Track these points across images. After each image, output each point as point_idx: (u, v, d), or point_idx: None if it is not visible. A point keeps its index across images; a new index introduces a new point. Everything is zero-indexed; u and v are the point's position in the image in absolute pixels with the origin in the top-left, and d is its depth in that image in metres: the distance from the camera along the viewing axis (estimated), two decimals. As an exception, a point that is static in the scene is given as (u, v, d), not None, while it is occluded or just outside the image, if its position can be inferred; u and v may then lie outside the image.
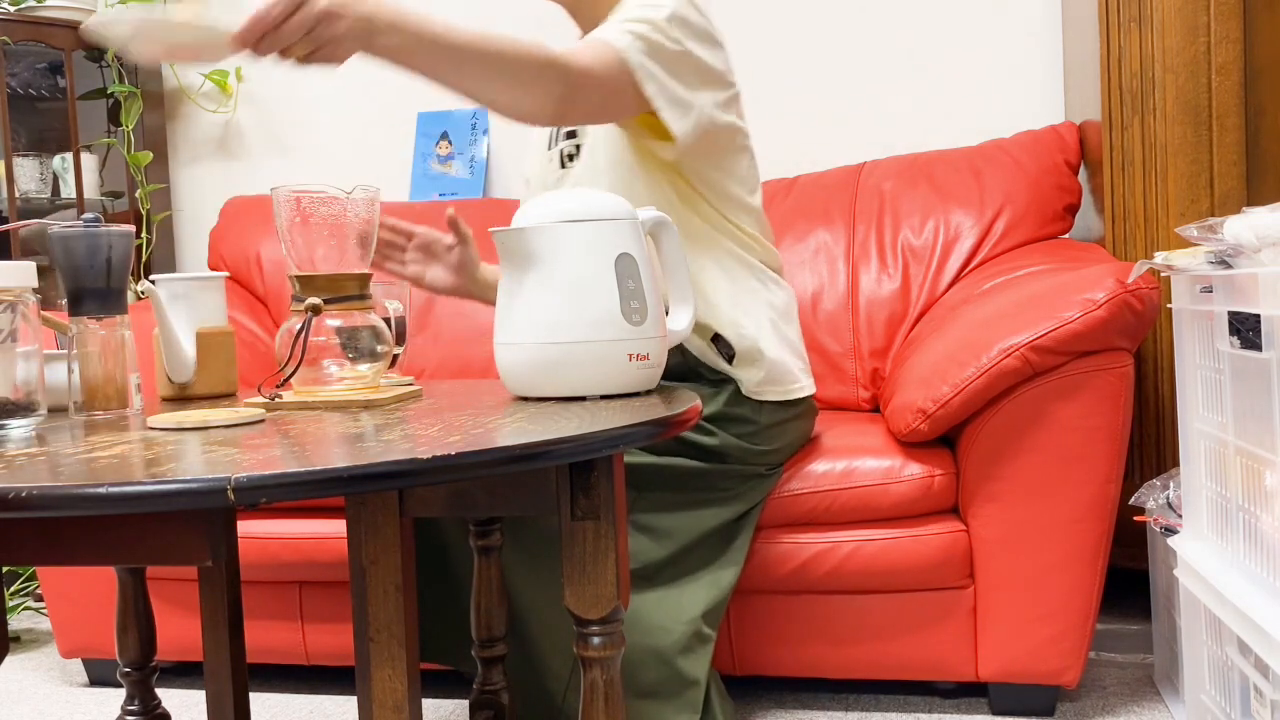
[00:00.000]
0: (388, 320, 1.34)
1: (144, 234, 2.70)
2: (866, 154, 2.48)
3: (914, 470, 1.60)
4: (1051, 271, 1.78)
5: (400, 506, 0.96)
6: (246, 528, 1.80)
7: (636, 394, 1.14)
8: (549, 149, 1.65)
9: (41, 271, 2.50)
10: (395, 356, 1.39)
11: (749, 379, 1.52)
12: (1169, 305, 1.70)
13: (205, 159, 2.89)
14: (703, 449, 1.49)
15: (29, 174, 2.64)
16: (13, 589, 2.46)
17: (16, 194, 2.59)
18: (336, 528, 1.77)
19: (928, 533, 1.60)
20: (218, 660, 1.33)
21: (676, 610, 1.44)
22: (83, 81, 2.68)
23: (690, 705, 1.40)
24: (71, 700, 1.91)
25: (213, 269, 2.53)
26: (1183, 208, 1.83)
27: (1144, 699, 1.70)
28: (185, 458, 0.80)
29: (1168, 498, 1.58)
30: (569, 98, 1.30)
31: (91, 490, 0.70)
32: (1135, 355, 1.85)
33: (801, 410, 1.61)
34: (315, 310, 1.12)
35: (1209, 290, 1.31)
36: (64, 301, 1.14)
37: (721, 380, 1.52)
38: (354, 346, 1.14)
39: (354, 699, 1.87)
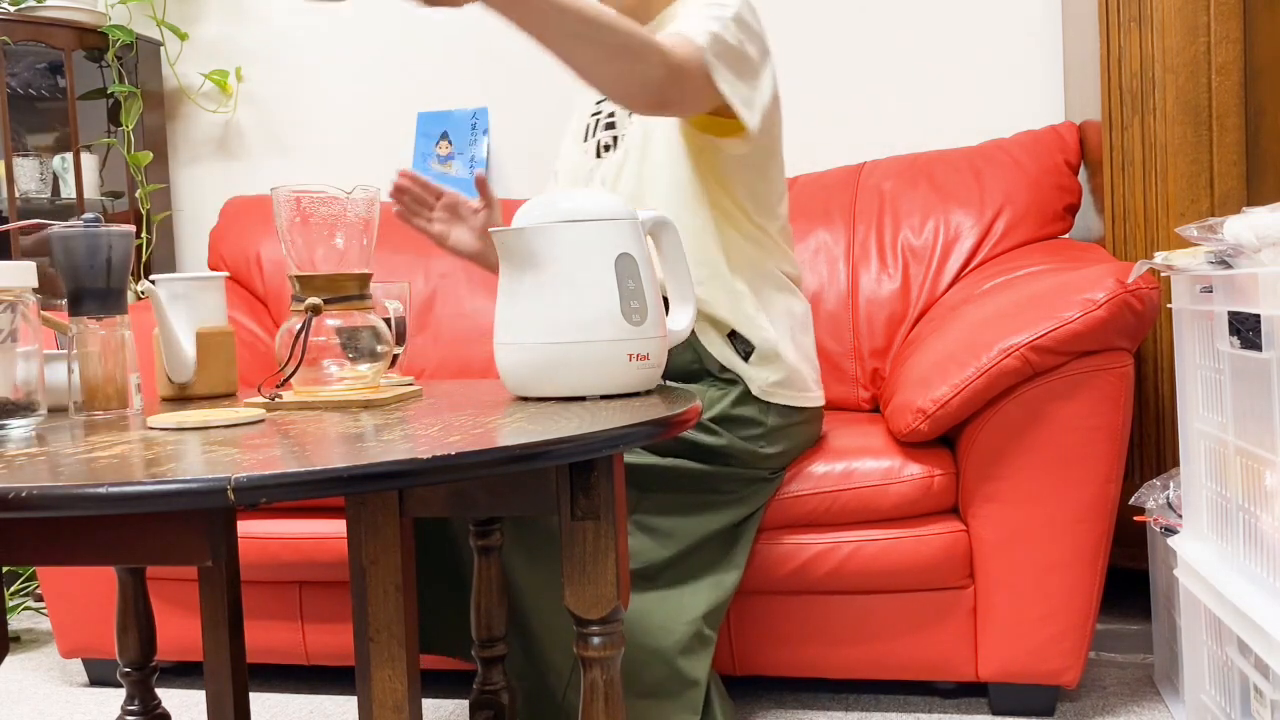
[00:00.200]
0: (388, 320, 1.34)
1: (144, 234, 2.70)
2: (866, 154, 2.48)
3: (914, 470, 1.60)
4: (1051, 271, 1.78)
5: (400, 506, 0.96)
6: (246, 528, 1.80)
7: (636, 394, 1.14)
8: (584, 141, 1.67)
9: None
10: (395, 356, 1.39)
11: (762, 379, 1.52)
12: (1169, 305, 1.70)
13: (205, 159, 2.89)
14: (708, 450, 1.49)
15: (29, 174, 2.64)
16: (13, 589, 2.46)
17: (16, 194, 2.59)
18: (336, 528, 1.77)
19: (928, 533, 1.60)
20: (218, 660, 1.33)
21: (678, 611, 1.44)
22: (83, 81, 2.68)
23: (690, 706, 1.40)
24: (71, 700, 1.91)
25: (213, 269, 2.53)
26: (1183, 208, 1.83)
27: (1144, 699, 1.70)
28: (185, 458, 0.80)
29: (1168, 498, 1.58)
30: (667, 84, 1.33)
31: (91, 490, 0.70)
32: (1135, 355, 1.85)
33: (808, 416, 1.61)
34: (315, 310, 1.12)
35: (1209, 290, 1.31)
36: (64, 301, 1.14)
37: (729, 380, 1.53)
38: (354, 346, 1.14)
39: (354, 699, 1.87)
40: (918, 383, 1.63)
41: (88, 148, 2.70)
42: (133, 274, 2.59)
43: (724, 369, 1.53)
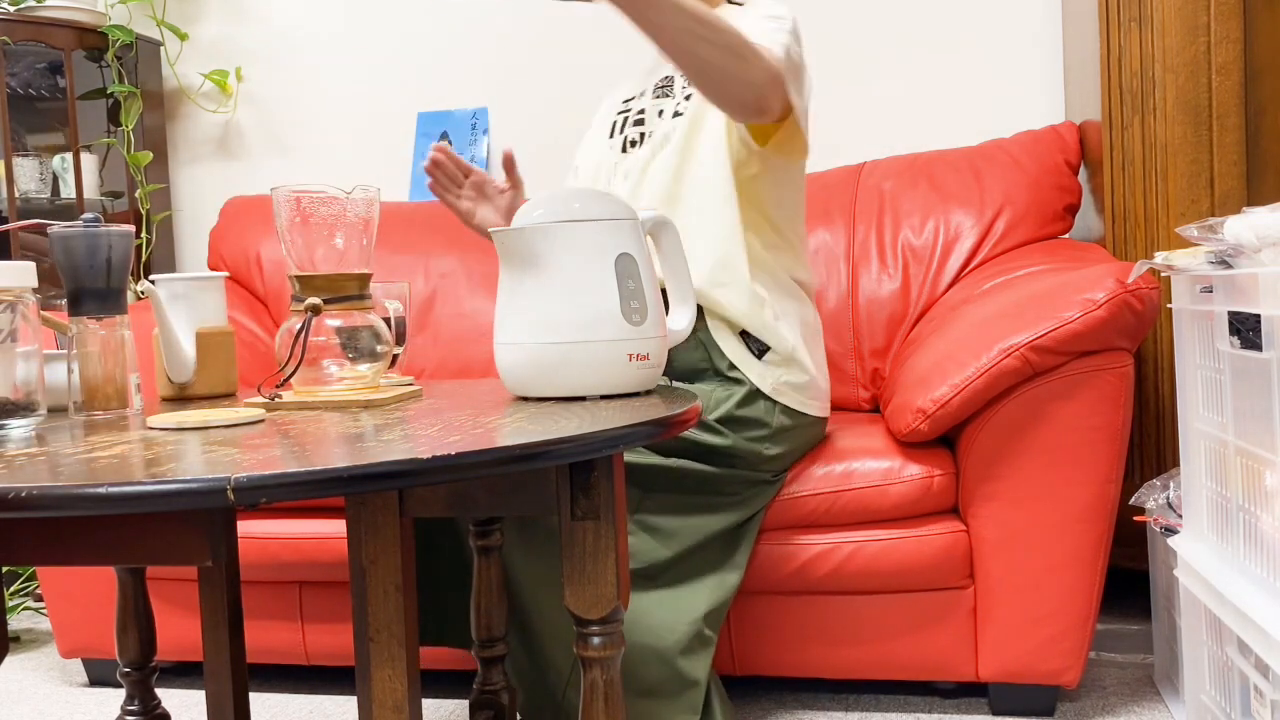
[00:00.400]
0: (388, 320, 1.34)
1: (144, 234, 2.70)
2: (866, 154, 2.48)
3: (914, 471, 1.60)
4: (1051, 271, 1.78)
5: (400, 506, 0.96)
6: (246, 528, 1.80)
7: (636, 394, 1.14)
8: (610, 137, 1.70)
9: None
10: (395, 356, 1.39)
11: (774, 377, 1.53)
12: (1169, 305, 1.70)
13: (205, 159, 2.89)
14: (711, 450, 1.49)
15: (29, 174, 2.64)
16: (13, 589, 2.46)
17: (16, 194, 2.59)
18: (336, 528, 1.77)
19: (928, 533, 1.60)
20: (218, 660, 1.33)
21: (679, 611, 1.44)
22: (83, 81, 2.68)
23: (690, 706, 1.40)
24: (71, 700, 1.91)
25: (213, 269, 2.53)
26: (1183, 208, 1.83)
27: (1144, 699, 1.70)
28: (185, 458, 0.80)
29: (1168, 498, 1.58)
30: (767, 89, 1.39)
31: (91, 490, 0.70)
32: (1135, 355, 1.85)
33: (812, 422, 1.62)
34: (315, 310, 1.12)
35: (1209, 290, 1.31)
36: (64, 301, 1.14)
37: (736, 380, 1.53)
38: (354, 346, 1.14)
39: (354, 699, 1.87)
40: (918, 383, 1.63)
41: (88, 148, 2.70)
42: (133, 274, 2.59)
43: (733, 367, 1.53)
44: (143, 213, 2.70)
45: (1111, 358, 1.52)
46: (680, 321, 1.26)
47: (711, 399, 1.51)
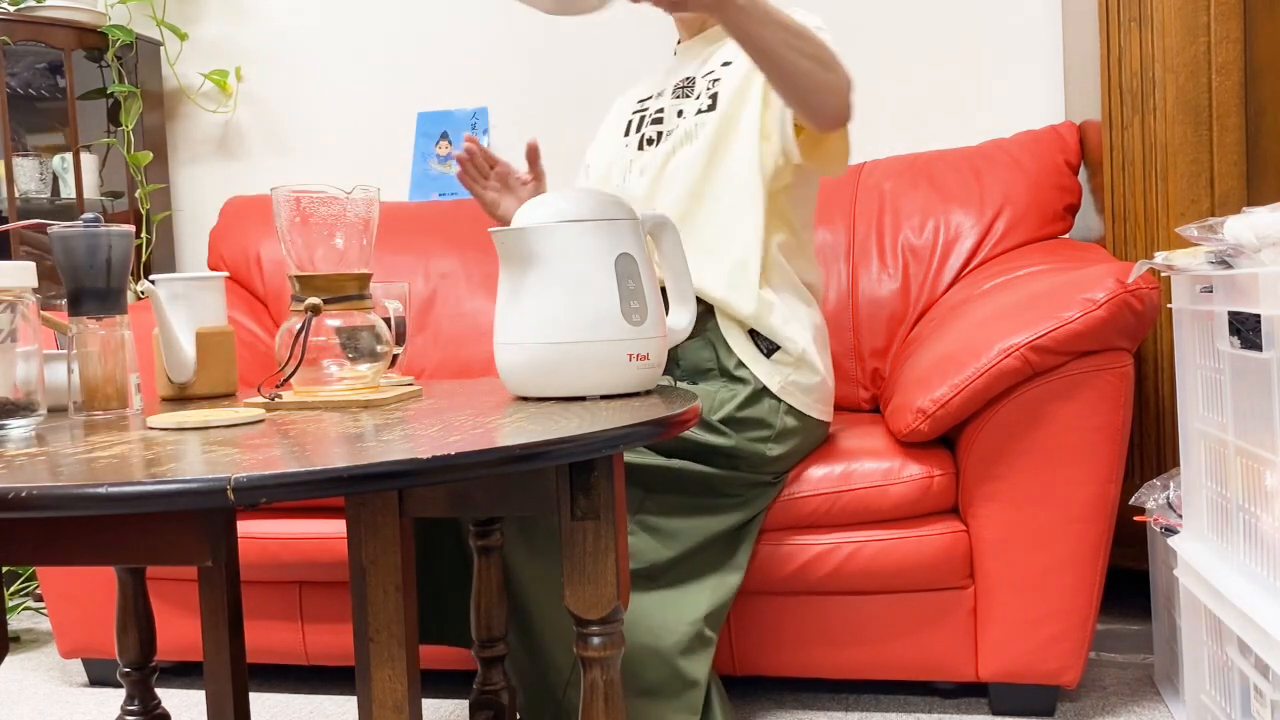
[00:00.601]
0: (387, 320, 1.34)
1: (144, 234, 2.70)
2: (866, 154, 2.48)
3: (913, 471, 1.60)
4: (1051, 271, 1.78)
5: (400, 506, 0.96)
6: (246, 528, 1.80)
7: (636, 394, 1.14)
8: (625, 135, 1.72)
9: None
10: (395, 356, 1.39)
11: (781, 376, 1.54)
12: (1169, 305, 1.70)
13: (205, 159, 2.89)
14: (713, 451, 1.49)
15: (29, 174, 2.64)
16: (13, 589, 2.46)
17: (16, 194, 2.59)
18: (336, 528, 1.77)
19: (928, 533, 1.60)
20: (218, 660, 1.33)
21: (679, 611, 1.44)
22: (83, 81, 2.68)
23: (690, 706, 1.40)
24: (71, 700, 1.91)
25: (213, 269, 2.53)
26: (1183, 208, 1.83)
27: (1144, 699, 1.70)
28: (185, 458, 0.80)
29: (1168, 498, 1.58)
30: (849, 98, 1.44)
31: (91, 490, 0.70)
32: (1135, 355, 1.85)
33: (815, 425, 1.62)
34: (315, 310, 1.12)
35: (1209, 290, 1.31)
36: (64, 301, 1.14)
37: (741, 380, 1.54)
38: (354, 346, 1.14)
39: (354, 699, 1.87)
40: (918, 383, 1.63)
41: (87, 148, 2.70)
42: (133, 274, 2.59)
43: (740, 365, 1.54)
44: (143, 213, 2.70)
45: (1111, 358, 1.52)
46: (680, 321, 1.26)
47: (716, 399, 1.51)
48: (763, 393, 1.54)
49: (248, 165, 2.86)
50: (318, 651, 1.84)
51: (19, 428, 1.02)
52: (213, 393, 1.31)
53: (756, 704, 1.75)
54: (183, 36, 2.81)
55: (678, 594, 1.46)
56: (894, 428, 1.66)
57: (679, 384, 1.55)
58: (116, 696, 1.93)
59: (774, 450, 1.55)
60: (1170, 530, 1.51)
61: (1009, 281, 1.84)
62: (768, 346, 1.55)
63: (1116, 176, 1.92)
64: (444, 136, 2.69)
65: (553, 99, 2.66)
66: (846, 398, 2.13)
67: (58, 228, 1.11)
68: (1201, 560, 1.35)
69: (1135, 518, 1.65)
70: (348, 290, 1.15)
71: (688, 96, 1.66)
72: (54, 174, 2.68)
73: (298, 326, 1.12)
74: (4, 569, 2.31)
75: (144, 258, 2.69)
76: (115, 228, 1.13)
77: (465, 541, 1.49)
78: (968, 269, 2.10)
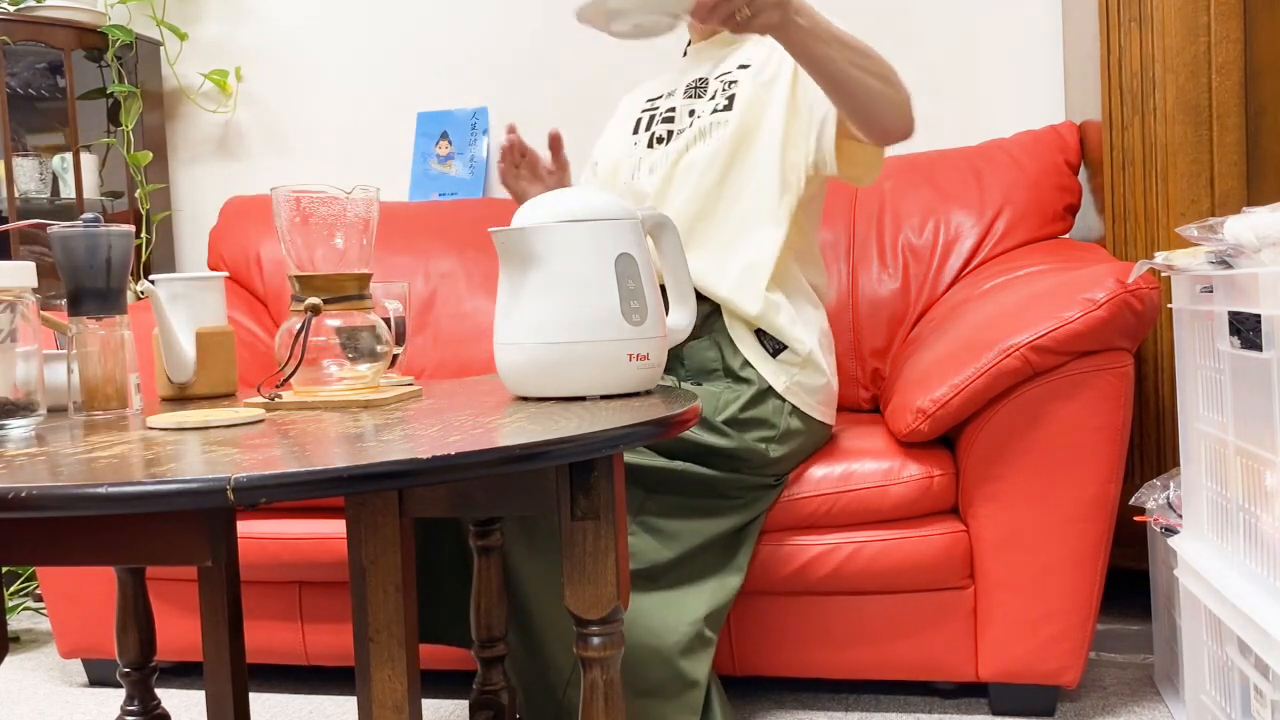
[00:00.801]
0: (387, 320, 1.34)
1: (144, 234, 2.70)
2: (866, 154, 2.48)
3: (913, 471, 1.60)
4: (1051, 271, 1.78)
5: (400, 506, 0.96)
6: (246, 528, 1.80)
7: (636, 394, 1.14)
8: (634, 133, 1.73)
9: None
10: (395, 356, 1.39)
11: (787, 376, 1.55)
12: (1169, 305, 1.70)
13: (205, 159, 2.89)
14: (715, 452, 1.49)
15: (29, 174, 2.64)
16: (13, 589, 2.46)
17: (16, 194, 2.59)
18: (336, 528, 1.77)
19: (928, 533, 1.60)
20: (218, 660, 1.33)
21: (680, 612, 1.44)
22: (82, 81, 2.68)
23: (690, 707, 1.40)
24: (71, 700, 1.91)
25: (213, 269, 2.53)
26: (1183, 208, 1.83)
27: (1144, 699, 1.70)
28: (185, 458, 0.80)
29: (1168, 498, 1.58)
30: (912, 112, 1.47)
31: (91, 490, 0.70)
32: (1135, 355, 1.85)
33: (818, 425, 1.63)
34: (315, 310, 1.12)
35: (1209, 290, 1.31)
36: (64, 301, 1.14)
37: (746, 380, 1.54)
38: (354, 346, 1.14)
39: (354, 699, 1.87)
40: (918, 383, 1.63)
41: (87, 148, 2.70)
42: (133, 274, 2.59)
43: (746, 365, 1.54)
44: (143, 213, 2.70)
45: (1111, 358, 1.52)
46: (680, 321, 1.26)
47: (720, 400, 1.51)
48: (767, 393, 1.55)
49: (248, 165, 2.86)
50: (318, 651, 1.84)
51: (19, 428, 1.02)
52: (213, 393, 1.31)
53: (756, 704, 1.75)
54: (183, 36, 2.81)
55: (678, 594, 1.46)
56: (894, 428, 1.66)
57: (683, 384, 1.55)
58: (116, 696, 1.93)
59: (776, 451, 1.55)
60: (1170, 530, 1.51)
61: (1009, 281, 1.84)
62: (774, 346, 1.56)
63: (1116, 176, 1.92)
64: (444, 136, 2.69)
65: (553, 99, 2.66)
66: (846, 398, 2.13)
67: (58, 228, 1.11)
68: (1201, 560, 1.35)
69: (1135, 518, 1.65)
70: (348, 290, 1.15)
71: (700, 97, 1.66)
72: (54, 174, 2.68)
73: (298, 326, 1.12)
74: (4, 569, 2.31)
75: (144, 258, 2.69)
76: (115, 228, 1.12)
77: (465, 540, 1.49)
78: (968, 269, 2.10)
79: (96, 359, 1.12)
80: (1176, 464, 1.83)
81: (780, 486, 1.61)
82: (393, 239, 2.44)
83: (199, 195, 2.90)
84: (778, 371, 1.55)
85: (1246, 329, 1.18)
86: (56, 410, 1.22)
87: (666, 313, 1.25)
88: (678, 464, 1.47)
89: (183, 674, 2.04)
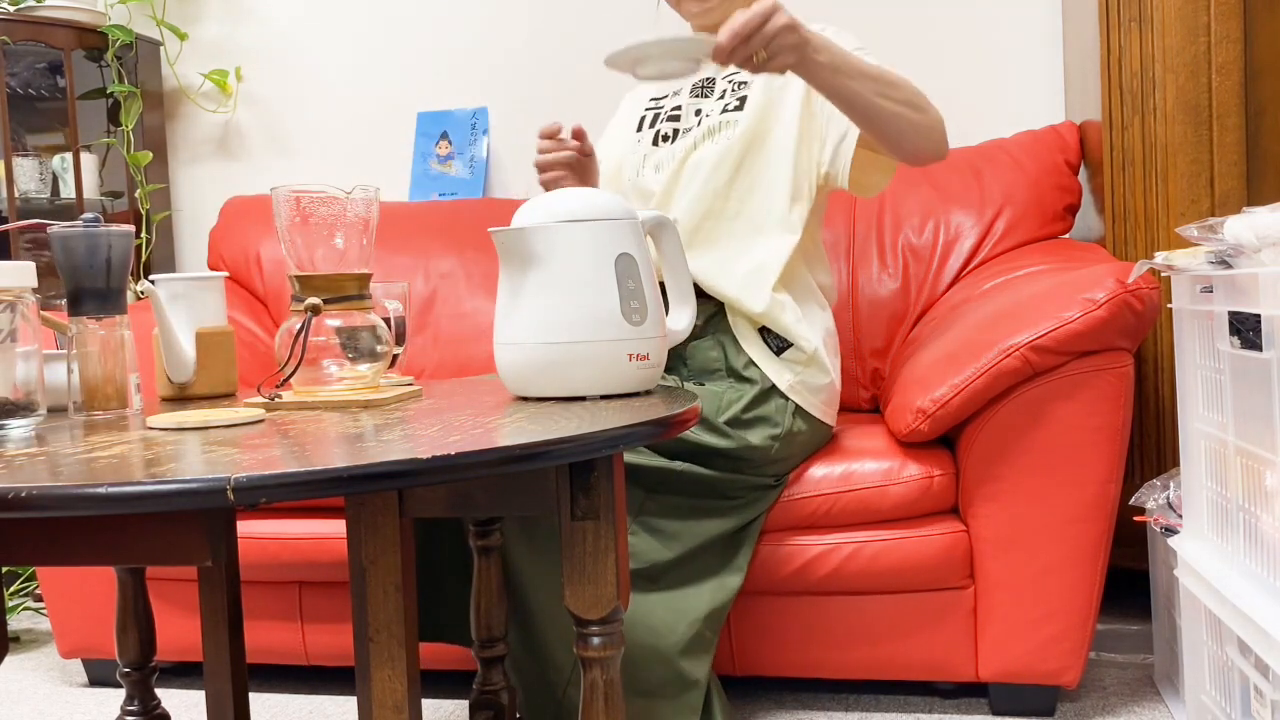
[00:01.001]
0: (387, 320, 1.34)
1: (144, 234, 2.70)
2: (866, 154, 2.48)
3: (913, 471, 1.60)
4: (1051, 271, 1.78)
5: (400, 506, 0.96)
6: (246, 528, 1.80)
7: (636, 394, 1.14)
8: (638, 130, 1.73)
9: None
10: (395, 356, 1.39)
11: (791, 374, 1.55)
12: (1169, 305, 1.70)
13: (205, 159, 2.89)
14: (717, 453, 1.49)
15: (29, 174, 2.64)
16: (13, 589, 2.46)
17: (16, 194, 2.59)
18: (336, 528, 1.77)
19: (928, 533, 1.60)
20: (218, 660, 1.33)
21: (679, 612, 1.44)
22: (82, 81, 2.68)
23: (690, 707, 1.40)
24: (71, 700, 1.91)
25: (213, 269, 2.53)
26: (1183, 208, 1.83)
27: (1144, 699, 1.70)
28: (185, 458, 0.80)
29: (1168, 498, 1.58)
30: (944, 134, 1.49)
31: (91, 490, 0.70)
32: (1135, 355, 1.85)
33: (820, 425, 1.63)
34: (315, 310, 1.12)
35: (1209, 290, 1.31)
36: (64, 301, 1.14)
37: (749, 380, 1.54)
38: (354, 346, 1.14)
39: (354, 699, 1.87)
40: (918, 383, 1.63)
41: (87, 148, 2.70)
42: (133, 274, 2.59)
43: (749, 364, 1.54)
44: (143, 213, 2.69)
45: (1111, 358, 1.52)
46: (680, 321, 1.26)
47: (723, 400, 1.51)
48: (770, 392, 1.55)
49: (248, 165, 2.86)
50: (318, 651, 1.84)
51: (19, 428, 1.02)
52: (213, 393, 1.31)
53: (756, 704, 1.75)
54: (183, 36, 2.81)
55: (678, 595, 1.46)
56: (894, 428, 1.66)
57: (686, 384, 1.55)
58: (116, 696, 1.93)
59: (778, 451, 1.55)
60: (1170, 530, 1.51)
61: (1009, 281, 1.84)
62: (778, 344, 1.56)
63: (1116, 176, 1.92)
64: (444, 136, 2.69)
65: (553, 99, 2.66)
66: (847, 398, 2.12)
67: (57, 228, 1.11)
68: (1201, 560, 1.35)
69: (1135, 518, 1.65)
70: (348, 290, 1.15)
71: (707, 96, 1.67)
72: (54, 174, 2.68)
73: (298, 326, 1.12)
74: (4, 569, 2.31)
75: (144, 258, 2.69)
76: (115, 228, 1.12)
77: (465, 540, 1.49)
78: (968, 269, 2.10)
79: (96, 359, 1.12)
80: (1176, 464, 1.83)
81: (780, 486, 1.61)
82: (393, 239, 2.44)
83: (199, 195, 2.90)
84: (781, 369, 1.55)
85: (1246, 329, 1.18)
86: (56, 410, 1.22)
87: (667, 313, 1.25)
88: (678, 464, 1.47)
89: (183, 674, 2.04)
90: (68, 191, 2.65)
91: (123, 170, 2.71)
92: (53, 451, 0.87)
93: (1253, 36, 1.78)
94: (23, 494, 0.70)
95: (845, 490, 1.60)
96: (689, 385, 1.56)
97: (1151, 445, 1.89)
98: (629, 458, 1.43)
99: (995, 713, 1.66)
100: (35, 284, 1.06)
